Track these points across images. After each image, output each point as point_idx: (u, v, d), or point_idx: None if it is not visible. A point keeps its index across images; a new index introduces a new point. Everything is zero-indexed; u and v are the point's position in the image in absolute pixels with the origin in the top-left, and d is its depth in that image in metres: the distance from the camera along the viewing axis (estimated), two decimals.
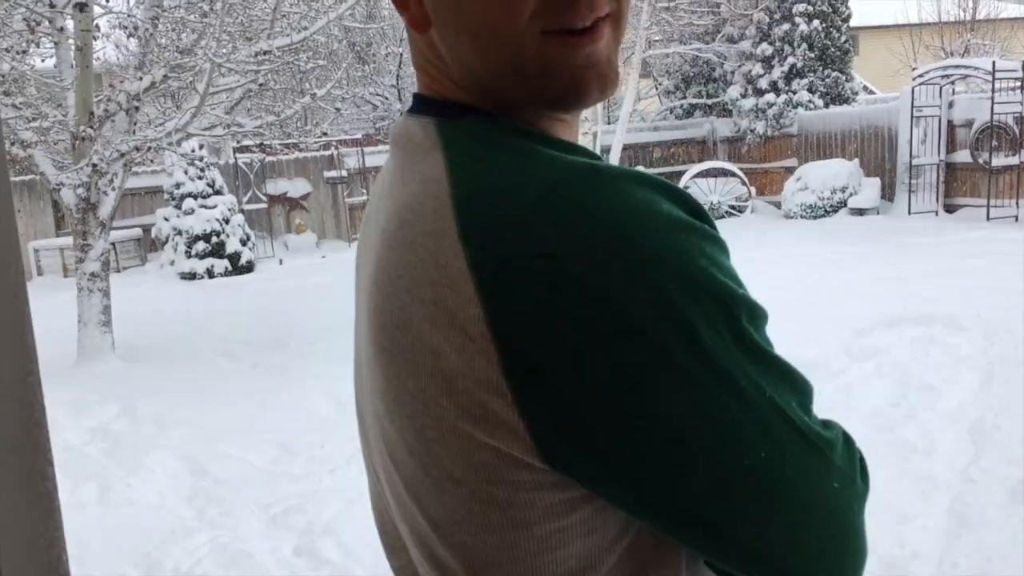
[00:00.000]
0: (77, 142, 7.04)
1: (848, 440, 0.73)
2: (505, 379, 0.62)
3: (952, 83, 13.23)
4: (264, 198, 14.39)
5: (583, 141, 14.81)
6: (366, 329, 0.73)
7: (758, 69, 15.40)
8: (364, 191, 15.02)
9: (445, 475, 0.68)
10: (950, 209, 12.91)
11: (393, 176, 0.75)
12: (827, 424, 0.72)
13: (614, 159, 15.12)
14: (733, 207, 14.87)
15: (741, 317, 0.65)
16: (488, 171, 0.67)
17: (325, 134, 13.62)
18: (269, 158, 14.54)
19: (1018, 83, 11.97)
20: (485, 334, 0.62)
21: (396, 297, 0.68)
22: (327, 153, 14.96)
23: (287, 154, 15.45)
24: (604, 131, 15.66)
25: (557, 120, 0.75)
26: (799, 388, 0.70)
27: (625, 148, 15.78)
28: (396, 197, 0.72)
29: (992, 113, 11.85)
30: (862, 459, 0.74)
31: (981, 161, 12.26)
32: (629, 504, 0.66)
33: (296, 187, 14.82)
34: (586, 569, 0.68)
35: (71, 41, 7.33)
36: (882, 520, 3.94)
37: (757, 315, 0.68)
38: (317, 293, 10.32)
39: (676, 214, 0.66)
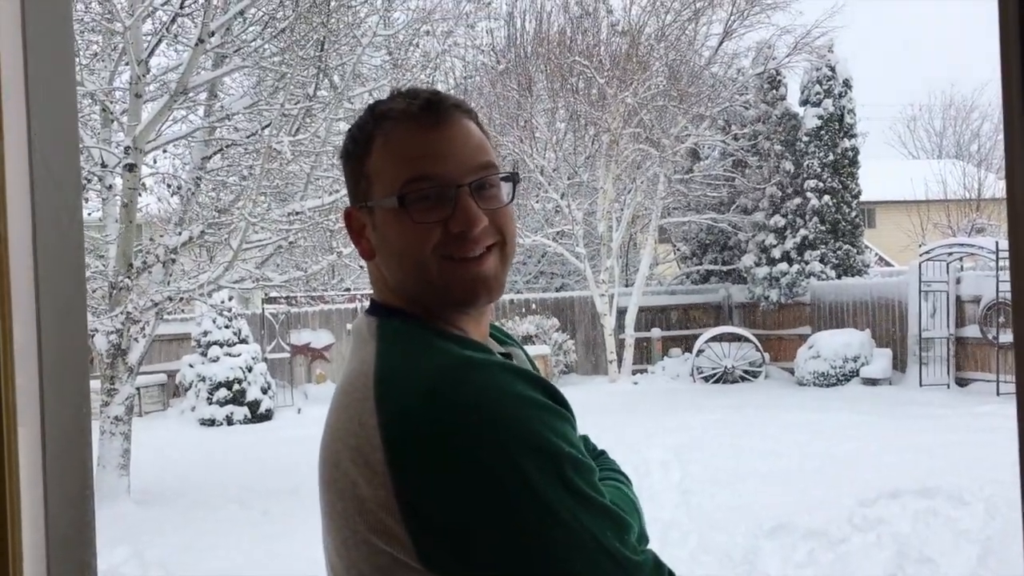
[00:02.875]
0: (114, 291, 7.45)
1: (658, 563, 0.99)
2: (397, 504, 0.91)
3: (960, 260, 13.62)
4: (287, 348, 14.77)
5: (601, 303, 15.22)
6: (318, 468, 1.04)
7: (771, 240, 15.92)
8: None
9: (358, 573, 0.96)
10: (961, 382, 13.02)
11: (348, 357, 1.07)
12: (641, 551, 0.97)
13: (630, 320, 15.47)
14: (747, 372, 15.04)
15: (566, 468, 0.93)
16: (399, 358, 0.99)
17: (348, 289, 14.12)
18: (295, 310, 15.02)
19: None
20: (386, 472, 0.92)
21: (333, 443, 1.00)
22: (351, 306, 15.43)
23: (312, 306, 15.97)
24: (621, 293, 16.08)
25: (465, 315, 1.07)
26: (615, 522, 0.95)
27: (643, 310, 16.15)
28: (345, 373, 1.05)
29: (998, 291, 12.15)
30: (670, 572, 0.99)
31: (990, 337, 12.46)
32: None
33: (319, 338, 15.21)
34: None
35: (118, 198, 7.88)
36: None
37: (582, 468, 0.95)
38: None
39: (527, 393, 0.95)
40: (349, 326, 15.27)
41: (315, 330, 15.28)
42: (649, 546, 1.03)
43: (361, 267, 10.36)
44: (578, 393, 14.13)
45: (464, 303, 1.05)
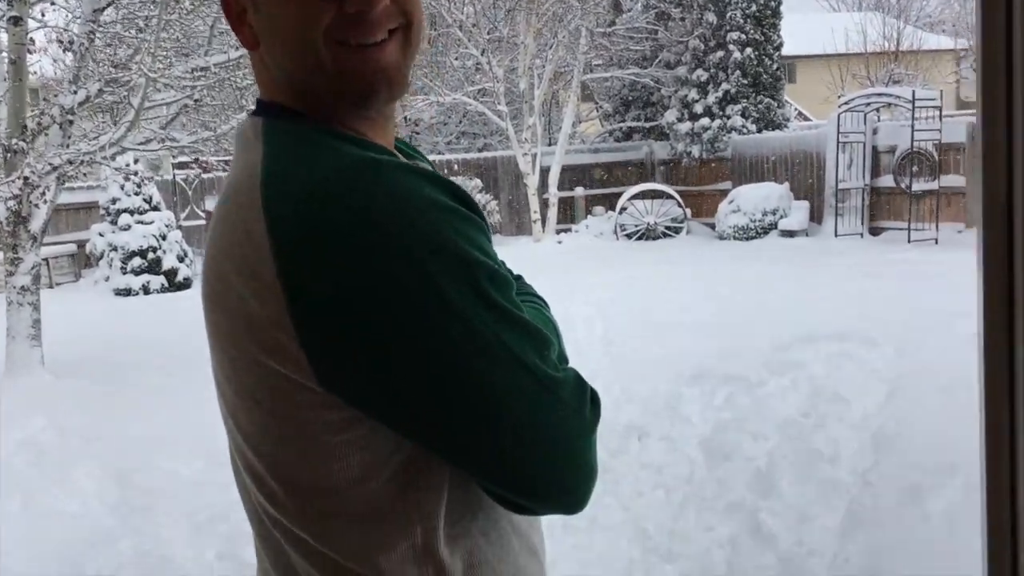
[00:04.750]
0: (8, 155, 7.01)
1: (580, 381, 0.91)
2: (291, 320, 0.79)
3: (877, 111, 13.76)
4: (203, 214, 14.33)
5: (524, 162, 15.06)
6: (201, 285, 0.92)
7: (694, 94, 15.82)
8: None
9: (250, 396, 0.85)
10: (875, 232, 13.39)
11: (231, 165, 0.92)
12: (563, 368, 0.89)
13: (553, 179, 15.38)
14: (669, 228, 15.21)
15: (481, 278, 0.82)
16: (290, 159, 0.85)
17: None
18: (208, 175, 14.50)
19: (937, 111, 12.51)
20: (276, 284, 0.79)
21: (217, 257, 0.87)
22: None
23: (227, 170, 15.39)
24: (544, 152, 15.91)
25: (364, 118, 0.92)
26: (535, 338, 0.86)
27: (566, 169, 16.05)
28: (228, 180, 0.91)
29: (913, 140, 12.36)
30: (594, 396, 0.92)
31: (903, 186, 12.76)
32: (386, 420, 0.82)
33: None
34: (366, 478, 0.85)
35: (4, 54, 7.31)
36: (784, 520, 4.15)
37: (499, 279, 0.85)
38: None
39: (435, 197, 0.83)
40: None
41: None
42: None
43: None
44: (502, 253, 14.13)
45: (361, 97, 0.90)
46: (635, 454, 5.07)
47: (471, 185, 15.39)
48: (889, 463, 4.61)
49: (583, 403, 0.90)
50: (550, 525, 4.27)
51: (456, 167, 15.91)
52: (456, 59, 16.61)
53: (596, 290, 9.73)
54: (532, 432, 0.85)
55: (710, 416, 5.50)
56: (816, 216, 14.09)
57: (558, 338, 0.98)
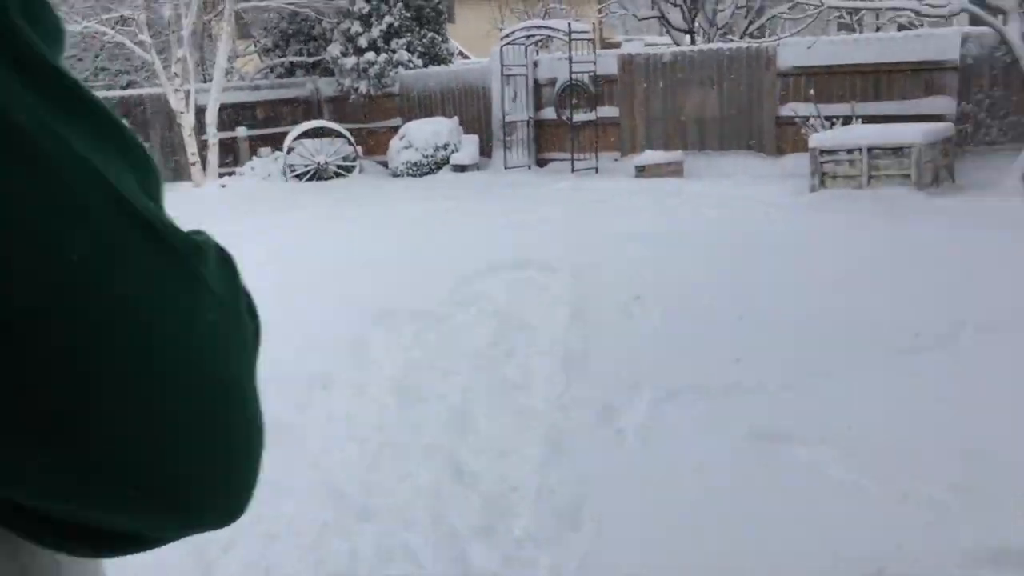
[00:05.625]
0: None
1: (225, 256, 0.48)
2: None
3: (536, 44, 14.09)
4: None
5: (176, 100, 13.68)
6: None
7: (357, 27, 15.25)
8: None
9: None
10: (541, 163, 13.81)
11: None
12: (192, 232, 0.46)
13: (211, 118, 14.16)
14: (341, 167, 14.67)
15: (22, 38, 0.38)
16: None
17: None
18: None
19: (591, 44, 13.03)
20: None
21: None
22: None
23: None
24: (199, 90, 14.59)
25: None
26: (133, 154, 0.42)
27: (225, 107, 14.86)
28: None
29: (571, 72, 12.79)
30: (249, 298, 0.49)
31: (564, 118, 13.22)
32: None
33: None
34: None
35: None
36: (483, 458, 3.94)
37: (47, 23, 0.40)
38: None
39: None
40: None
41: None
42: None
43: None
44: None
45: None
46: (321, 405, 4.63)
47: None
48: (580, 386, 4.57)
49: (237, 298, 0.47)
50: None
51: None
52: None
53: (267, 235, 9.03)
54: (159, 348, 0.40)
55: (399, 357, 5.18)
56: (486, 150, 14.24)
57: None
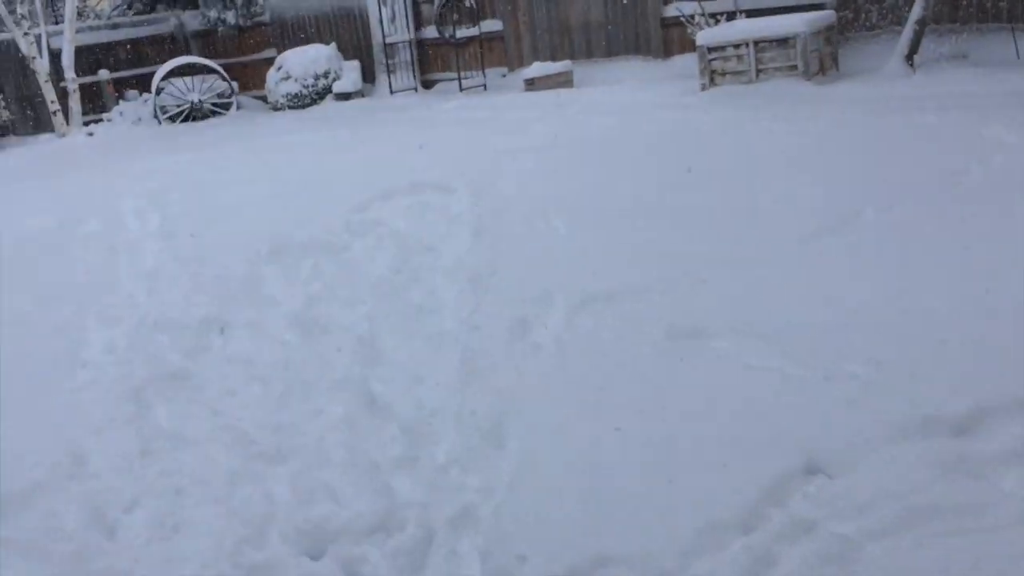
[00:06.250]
0: None
1: None
2: None
3: None
4: None
5: (27, 44, 12.68)
6: None
7: None
8: None
9: None
10: (427, 84, 13.38)
11: None
12: None
13: (68, 62, 13.19)
14: (216, 105, 13.93)
15: None
16: None
17: None
18: None
19: None
20: None
21: None
22: None
23: None
24: (52, 32, 13.54)
25: None
26: None
27: (83, 49, 13.87)
28: None
29: None
30: None
31: (447, 36, 12.78)
32: None
33: None
34: None
35: None
36: (397, 386, 3.76)
37: None
38: None
39: None
40: None
41: None
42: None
43: None
44: (21, 156, 11.97)
45: None
46: (218, 350, 4.34)
47: None
48: (491, 303, 4.40)
49: None
50: (119, 449, 3.43)
51: None
52: None
53: (143, 180, 8.46)
54: None
55: (297, 292, 4.91)
56: (369, 76, 13.71)
57: None
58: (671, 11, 11.00)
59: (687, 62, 10.41)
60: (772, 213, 4.97)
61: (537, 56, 12.16)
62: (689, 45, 10.26)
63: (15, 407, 3.85)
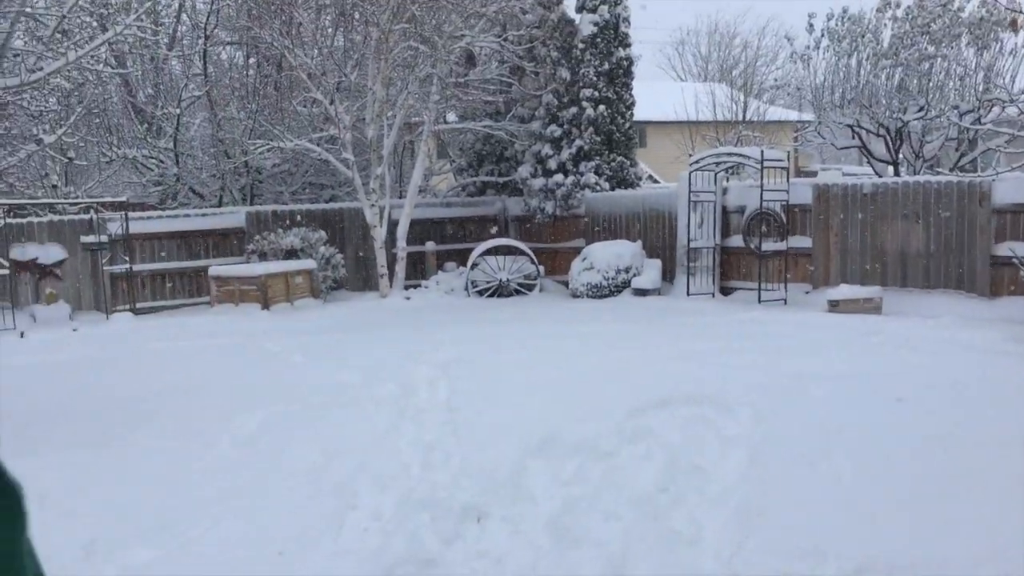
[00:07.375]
0: None
1: None
2: None
3: (727, 171, 13.82)
4: (6, 264, 12.82)
5: (371, 214, 14.31)
6: None
7: (547, 150, 15.57)
8: (126, 259, 13.74)
9: None
10: (726, 291, 13.32)
11: None
12: None
13: (402, 232, 14.70)
14: (522, 285, 14.76)
15: None
16: None
17: (79, 198, 12.35)
18: (18, 220, 13.08)
19: (785, 172, 12.61)
20: None
21: None
22: (86, 217, 13.62)
23: (41, 216, 13.96)
24: (394, 205, 15.24)
25: None
26: None
27: (417, 223, 15.43)
28: None
29: (761, 200, 12.39)
30: None
31: (752, 246, 12.75)
32: None
33: (48, 253, 13.35)
34: None
35: None
36: None
37: None
38: (57, 371, 9.09)
39: None
40: (85, 239, 13.54)
41: (43, 244, 13.38)
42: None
43: (70, 159, 8.79)
44: (347, 310, 13.29)
45: None
46: (472, 540, 4.36)
47: (315, 237, 14.51)
48: (755, 547, 4.07)
49: None
50: None
51: (299, 218, 15.02)
52: (303, 106, 15.80)
53: (443, 349, 9.04)
54: None
55: (558, 493, 4.86)
56: (668, 275, 13.94)
57: None
58: (1003, 250, 10.22)
59: (1016, 306, 9.54)
60: None
61: (845, 278, 11.74)
62: (1021, 288, 9.42)
63: (279, 562, 4.06)
